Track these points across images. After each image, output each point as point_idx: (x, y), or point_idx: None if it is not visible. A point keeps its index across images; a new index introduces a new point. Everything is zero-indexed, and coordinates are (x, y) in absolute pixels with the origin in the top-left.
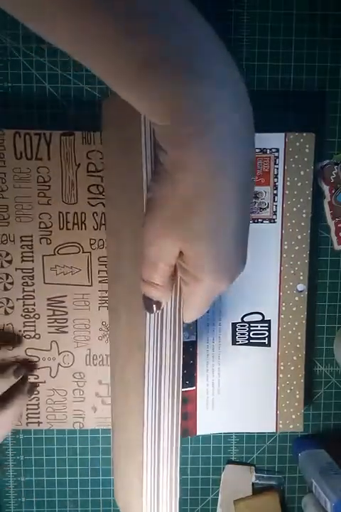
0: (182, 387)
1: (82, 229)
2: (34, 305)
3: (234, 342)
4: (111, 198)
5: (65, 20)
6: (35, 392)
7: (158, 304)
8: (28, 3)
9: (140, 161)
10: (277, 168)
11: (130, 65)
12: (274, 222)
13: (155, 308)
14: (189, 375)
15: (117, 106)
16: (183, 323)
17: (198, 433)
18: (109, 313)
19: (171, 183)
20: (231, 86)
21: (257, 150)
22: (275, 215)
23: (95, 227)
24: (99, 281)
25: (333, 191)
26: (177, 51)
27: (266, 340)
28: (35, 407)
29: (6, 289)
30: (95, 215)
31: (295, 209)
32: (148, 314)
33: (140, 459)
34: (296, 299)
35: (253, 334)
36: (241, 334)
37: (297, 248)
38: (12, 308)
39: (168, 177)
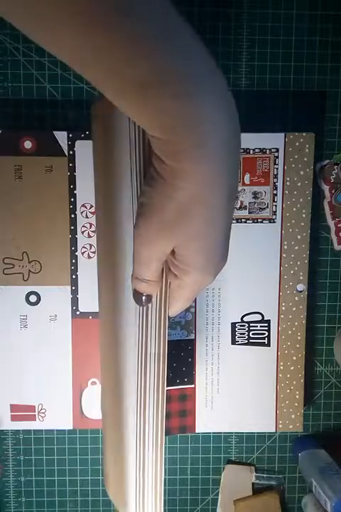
0: (181, 385)
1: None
2: None
3: (234, 342)
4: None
5: (69, 37)
6: None
7: (149, 297)
8: (33, 18)
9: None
10: (277, 168)
11: (131, 83)
12: (274, 222)
13: (145, 302)
14: (187, 373)
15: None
16: (168, 318)
17: (197, 431)
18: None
19: (168, 190)
20: (223, 99)
21: (257, 150)
22: (275, 215)
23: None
24: None
25: (333, 191)
26: (176, 72)
27: (265, 340)
28: None
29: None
30: None
31: (295, 209)
32: (137, 308)
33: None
34: (296, 298)
35: (252, 334)
36: (241, 334)
37: (297, 248)
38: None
39: (164, 184)
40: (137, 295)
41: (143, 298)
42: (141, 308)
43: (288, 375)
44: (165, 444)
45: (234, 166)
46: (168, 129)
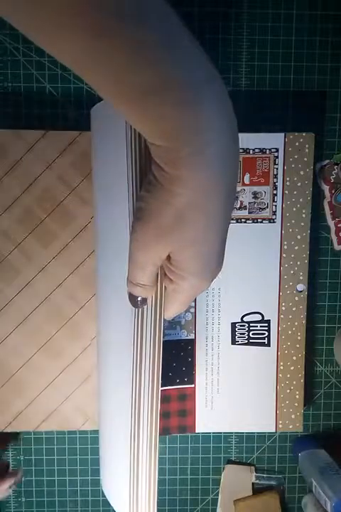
0: (181, 384)
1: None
2: None
3: (234, 342)
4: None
5: (69, 41)
6: None
7: (144, 299)
8: (33, 21)
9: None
10: (277, 168)
11: (131, 89)
12: (274, 222)
13: (140, 303)
14: (187, 373)
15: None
16: (164, 320)
17: (197, 431)
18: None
19: (165, 196)
20: (223, 106)
21: (257, 150)
22: (275, 215)
23: None
24: None
25: (333, 191)
26: (178, 80)
27: (265, 340)
28: None
29: None
30: None
31: (294, 209)
32: (132, 310)
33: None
34: (296, 298)
35: (252, 334)
36: (241, 334)
37: (297, 248)
38: None
39: (162, 189)
40: (132, 298)
41: (138, 300)
42: (136, 309)
43: (288, 375)
44: (165, 444)
45: (232, 172)
46: (168, 137)
